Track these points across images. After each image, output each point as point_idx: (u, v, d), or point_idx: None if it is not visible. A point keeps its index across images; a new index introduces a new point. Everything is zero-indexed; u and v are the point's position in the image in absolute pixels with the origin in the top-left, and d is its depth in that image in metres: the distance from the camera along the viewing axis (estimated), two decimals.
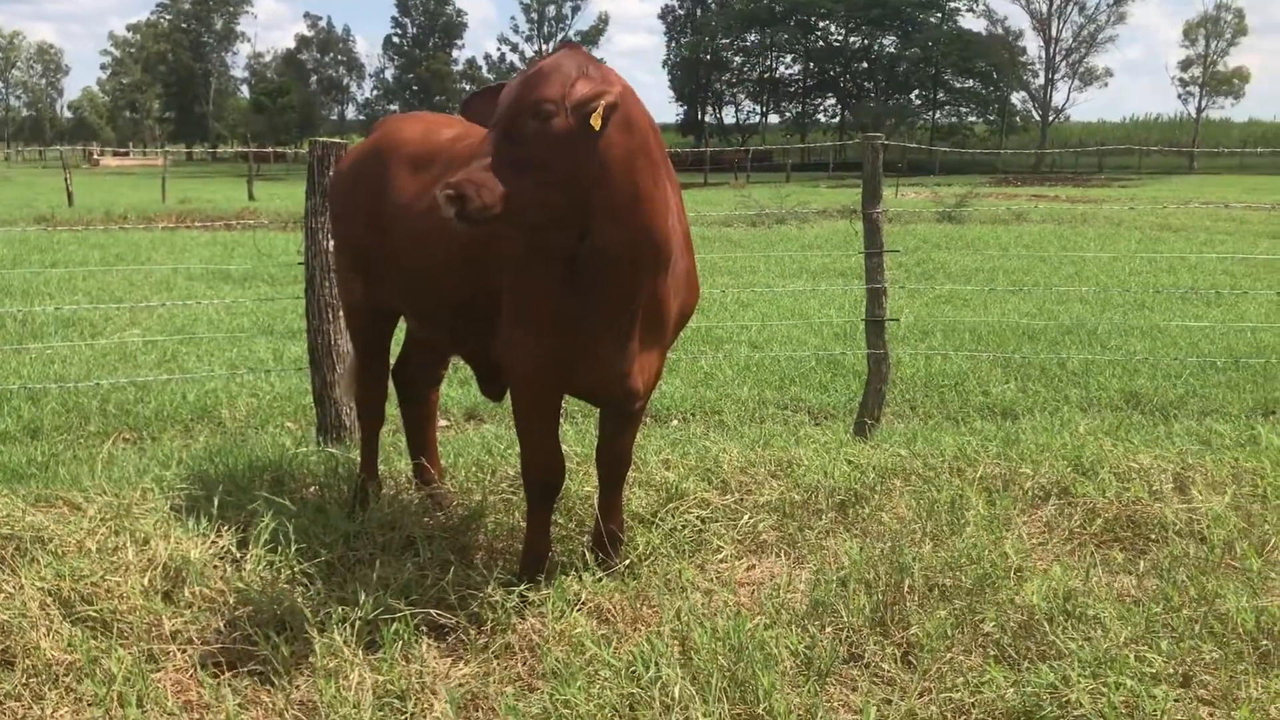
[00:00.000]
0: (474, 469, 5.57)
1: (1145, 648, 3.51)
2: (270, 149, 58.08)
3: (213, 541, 4.43)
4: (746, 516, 4.84)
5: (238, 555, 4.36)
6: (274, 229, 20.87)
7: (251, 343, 9.63)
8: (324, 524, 4.71)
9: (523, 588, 4.00)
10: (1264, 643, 3.59)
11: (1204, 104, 78.51)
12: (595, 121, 3.46)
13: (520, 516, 4.85)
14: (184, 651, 3.75)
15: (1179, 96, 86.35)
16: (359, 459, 5.33)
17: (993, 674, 3.40)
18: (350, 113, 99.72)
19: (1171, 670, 3.42)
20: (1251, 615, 3.68)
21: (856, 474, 5.31)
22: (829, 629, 3.80)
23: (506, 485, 5.28)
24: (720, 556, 4.52)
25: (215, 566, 4.26)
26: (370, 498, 5.03)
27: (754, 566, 4.55)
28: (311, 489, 5.37)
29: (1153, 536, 4.74)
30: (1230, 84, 77.88)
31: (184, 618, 3.91)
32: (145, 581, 4.06)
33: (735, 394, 7.92)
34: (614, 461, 4.39)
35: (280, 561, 4.26)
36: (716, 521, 4.80)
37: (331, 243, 5.81)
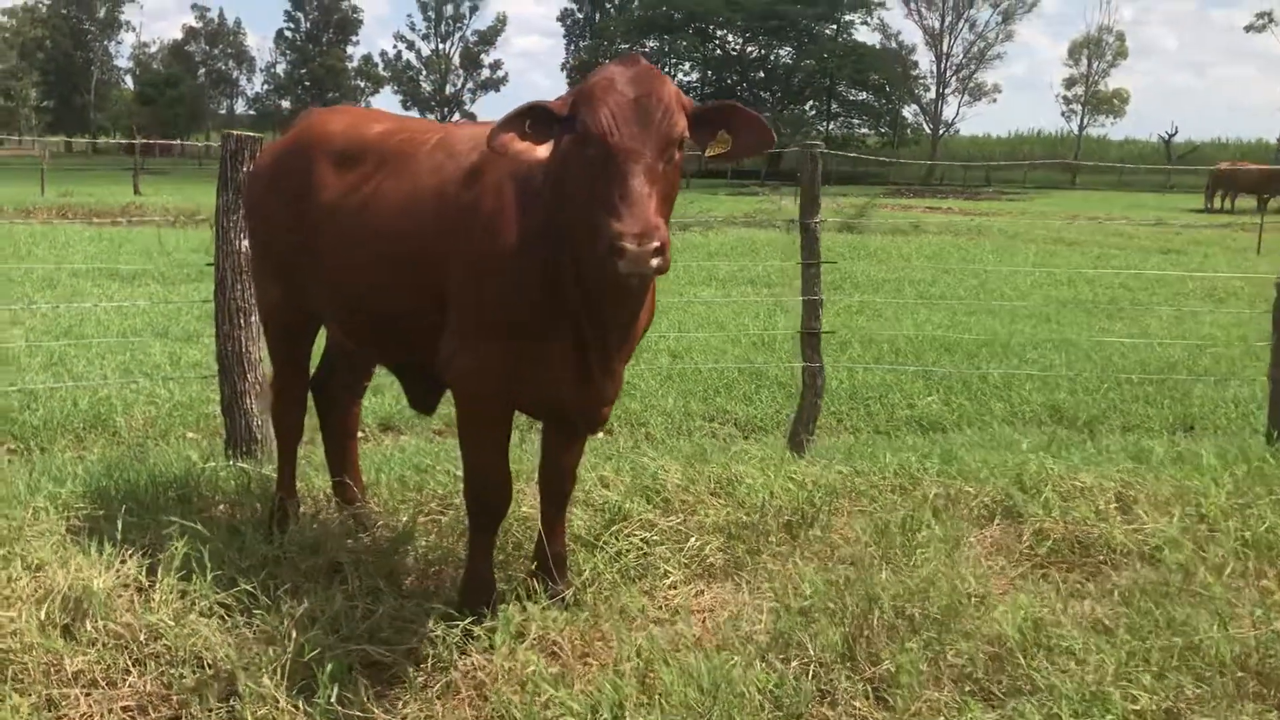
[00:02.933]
0: (398, 486, 5.25)
1: (1127, 683, 3.38)
2: (155, 141, 55.90)
3: (117, 569, 4.01)
4: (693, 539, 4.60)
5: (145, 584, 3.96)
6: (163, 225, 20.00)
7: (146, 346, 9.08)
8: (240, 548, 4.34)
9: (466, 621, 3.71)
10: (1239, 674, 3.50)
11: (1086, 121, 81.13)
12: (716, 150, 3.41)
13: (452, 538, 4.56)
14: (88, 695, 3.38)
15: (1063, 114, 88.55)
16: (275, 475, 4.95)
17: (973, 712, 3.24)
18: (240, 107, 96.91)
19: (1155, 707, 3.30)
20: (1227, 647, 3.58)
21: (801, 493, 5.12)
22: (795, 663, 3.60)
23: (435, 504, 4.97)
24: (669, 582, 4.30)
25: (121, 597, 3.86)
26: (289, 518, 4.68)
27: (703, 592, 4.32)
28: (221, 507, 4.98)
29: (1101, 559, 4.66)
30: (1111, 103, 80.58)
31: (88, 657, 3.52)
32: (42, 615, 3.64)
33: (660, 405, 7.72)
34: (560, 479, 4.14)
35: (194, 591, 3.88)
36: (662, 544, 4.55)
37: (246, 244, 5.42)
